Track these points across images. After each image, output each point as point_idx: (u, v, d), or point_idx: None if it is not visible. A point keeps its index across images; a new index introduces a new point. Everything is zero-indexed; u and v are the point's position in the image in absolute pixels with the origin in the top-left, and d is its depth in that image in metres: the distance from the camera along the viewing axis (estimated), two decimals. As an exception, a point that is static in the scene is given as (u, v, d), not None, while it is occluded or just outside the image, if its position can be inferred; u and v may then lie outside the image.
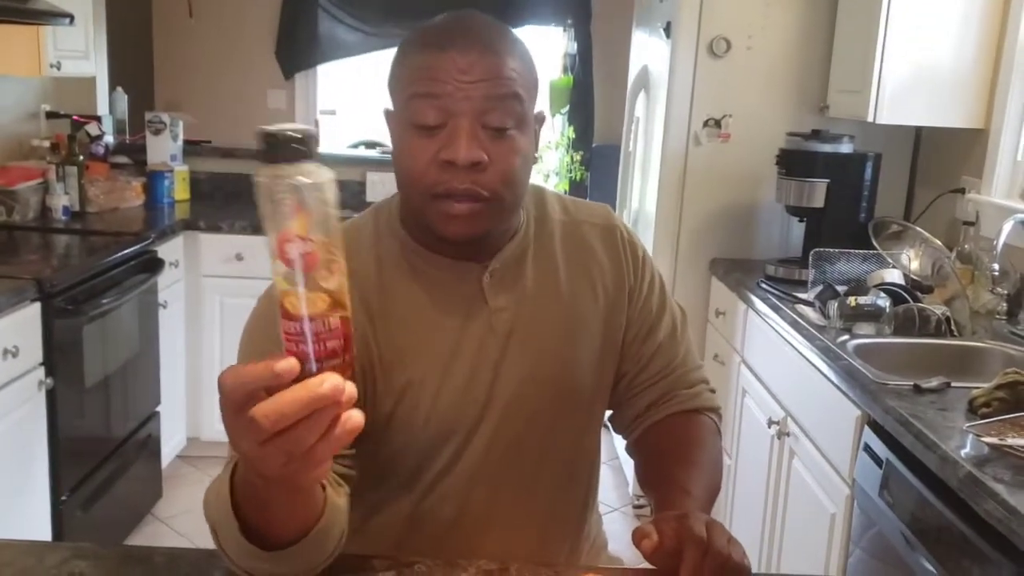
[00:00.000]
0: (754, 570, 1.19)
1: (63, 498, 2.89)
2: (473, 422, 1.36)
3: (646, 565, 1.20)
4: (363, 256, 1.34)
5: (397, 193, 1.36)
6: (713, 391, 1.54)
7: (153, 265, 3.54)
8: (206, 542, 1.17)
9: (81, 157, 3.97)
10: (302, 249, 0.80)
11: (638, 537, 1.15)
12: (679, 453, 1.41)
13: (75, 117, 4.27)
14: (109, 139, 4.47)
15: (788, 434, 2.73)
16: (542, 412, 1.40)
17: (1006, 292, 2.81)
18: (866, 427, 2.23)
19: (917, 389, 2.17)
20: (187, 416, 4.09)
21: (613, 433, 1.59)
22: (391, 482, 1.38)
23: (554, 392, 1.41)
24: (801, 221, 3.47)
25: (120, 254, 3.30)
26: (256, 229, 3.88)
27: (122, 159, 4.46)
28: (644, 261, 1.48)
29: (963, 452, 1.83)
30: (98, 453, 3.16)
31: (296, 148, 0.81)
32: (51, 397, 2.79)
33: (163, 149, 4.38)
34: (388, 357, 1.32)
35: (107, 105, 4.71)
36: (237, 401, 0.80)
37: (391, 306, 1.33)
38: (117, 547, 1.38)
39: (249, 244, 3.97)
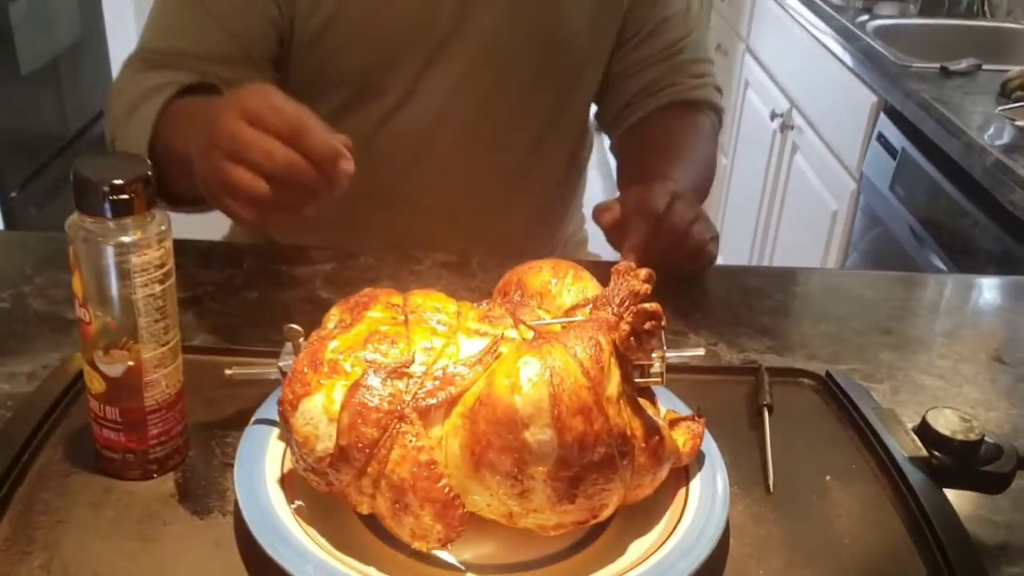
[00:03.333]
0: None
1: (12, 195, 2.72)
2: (431, 47, 1.14)
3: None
4: None
5: None
6: (719, 90, 1.30)
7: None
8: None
9: None
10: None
11: (598, 211, 1.00)
12: (666, 147, 1.21)
13: None
14: None
15: (792, 127, 2.51)
16: (521, 61, 1.16)
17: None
18: (881, 115, 2.00)
19: (944, 72, 1.93)
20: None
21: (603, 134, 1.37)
22: (341, 95, 1.18)
23: (537, 41, 1.15)
24: None
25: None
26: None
27: None
28: None
29: (991, 138, 1.62)
30: (46, 150, 2.96)
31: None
32: (-16, 86, 2.53)
33: None
34: None
35: None
36: (257, 113, 0.75)
37: None
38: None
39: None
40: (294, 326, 0.68)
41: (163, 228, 0.66)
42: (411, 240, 1.16)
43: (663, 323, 0.60)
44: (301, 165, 0.74)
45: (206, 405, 0.79)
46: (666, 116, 1.25)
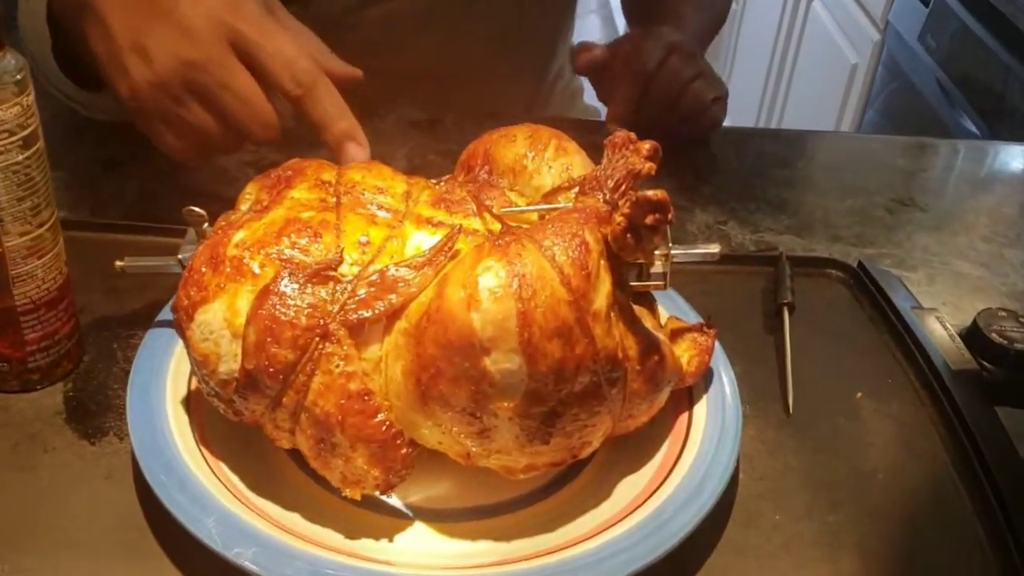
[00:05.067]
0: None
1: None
2: None
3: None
4: None
5: None
6: None
7: None
8: None
9: None
10: None
11: (577, 52, 0.90)
12: None
13: None
14: None
15: (811, -31, 2.29)
16: None
17: None
18: (915, -45, 1.79)
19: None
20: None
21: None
22: None
23: None
24: None
25: None
26: None
27: None
28: None
29: (1042, -17, 1.43)
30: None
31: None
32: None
33: None
34: None
35: None
36: (256, 51, 0.61)
37: None
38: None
39: None
40: (195, 209, 0.53)
41: (19, 77, 0.50)
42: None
43: (670, 216, 0.46)
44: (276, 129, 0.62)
45: (107, 297, 0.65)
46: None
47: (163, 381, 0.54)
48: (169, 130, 0.63)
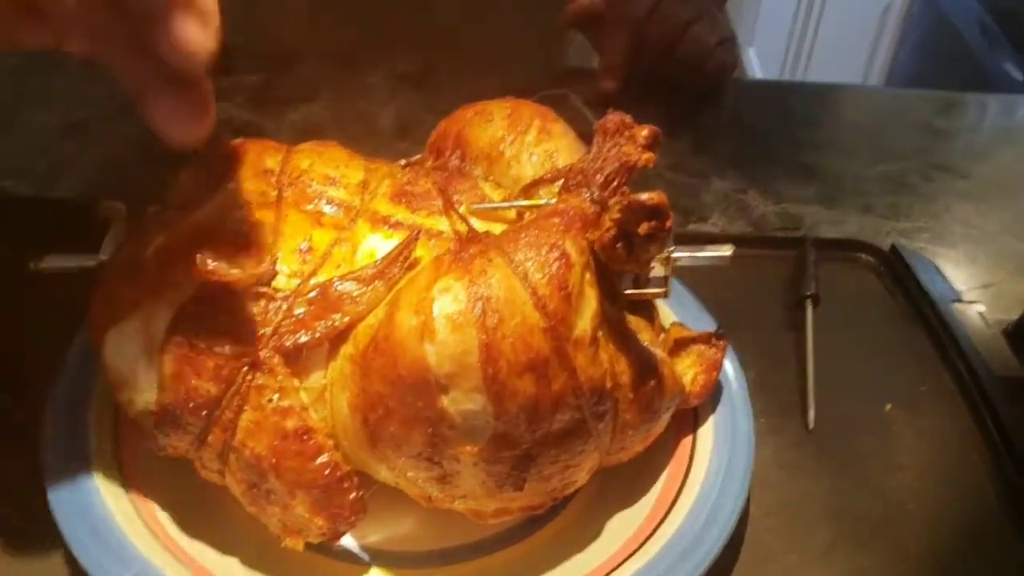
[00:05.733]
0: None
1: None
2: None
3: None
4: None
5: None
6: None
7: None
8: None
9: None
10: None
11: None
12: None
13: None
14: None
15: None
16: None
17: None
18: None
19: None
20: None
21: None
22: None
23: None
24: None
25: None
26: None
27: None
28: None
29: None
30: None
31: None
32: None
33: None
34: None
35: None
36: None
37: None
38: None
39: None
40: (115, 203, 0.46)
41: None
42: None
43: (668, 223, 0.38)
44: None
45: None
46: None
47: (86, 399, 0.47)
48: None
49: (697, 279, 0.57)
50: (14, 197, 0.67)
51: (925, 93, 1.01)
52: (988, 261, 0.73)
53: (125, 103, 0.67)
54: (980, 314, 0.60)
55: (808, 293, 0.61)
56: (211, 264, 0.40)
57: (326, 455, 0.39)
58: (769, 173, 0.82)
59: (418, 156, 0.51)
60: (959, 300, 0.62)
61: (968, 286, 0.67)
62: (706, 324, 0.53)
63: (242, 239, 0.40)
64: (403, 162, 0.50)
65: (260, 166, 0.45)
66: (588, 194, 0.40)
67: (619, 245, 0.38)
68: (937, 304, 0.61)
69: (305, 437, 0.39)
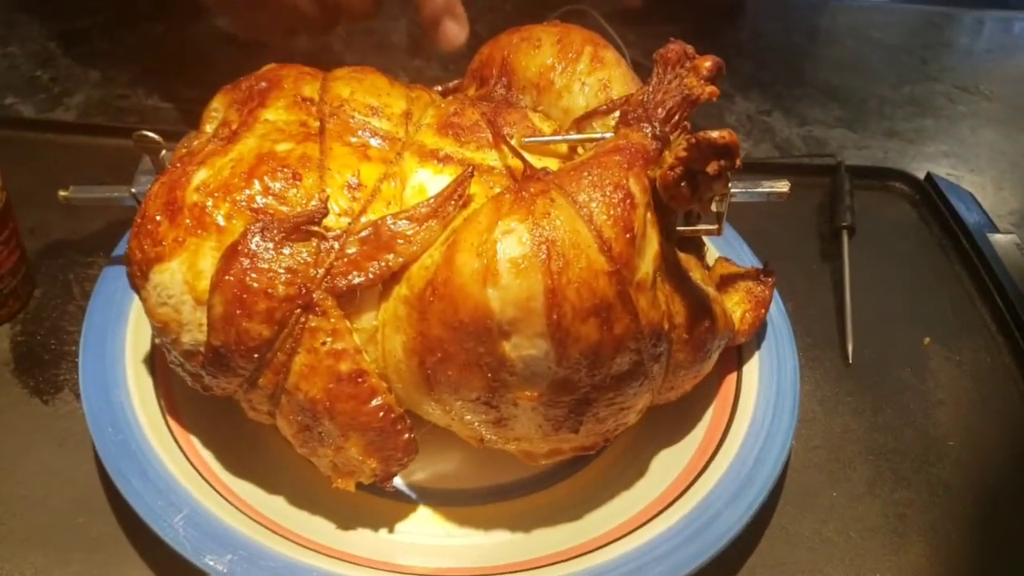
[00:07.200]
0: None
1: None
2: None
3: None
4: None
5: None
6: None
7: None
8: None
9: None
10: None
11: None
12: None
13: None
14: None
15: None
16: None
17: None
18: None
19: None
20: None
21: None
22: None
23: None
24: None
25: None
26: None
27: None
28: None
29: None
30: None
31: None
32: None
33: None
34: None
35: None
36: None
37: None
38: None
39: None
40: (147, 133, 0.44)
41: None
42: None
43: (738, 160, 0.36)
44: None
45: (61, 214, 0.56)
46: None
47: (122, 339, 0.46)
48: (254, 8, 0.56)
49: (730, 209, 0.56)
50: (41, 121, 0.65)
51: (952, 11, 0.98)
52: (1016, 188, 0.72)
53: (125, 13, 0.64)
54: (1017, 245, 0.59)
55: (844, 224, 0.60)
56: (259, 202, 0.38)
57: (380, 398, 0.38)
58: (793, 94, 0.80)
59: (456, 81, 0.49)
60: (994, 231, 0.61)
61: (997, 213, 0.66)
62: (748, 258, 0.52)
63: (289, 175, 0.39)
64: (439, 88, 0.48)
65: (297, 93, 0.43)
66: (649, 129, 0.39)
67: (683, 185, 0.37)
68: (973, 234, 0.60)
69: (359, 380, 0.38)
